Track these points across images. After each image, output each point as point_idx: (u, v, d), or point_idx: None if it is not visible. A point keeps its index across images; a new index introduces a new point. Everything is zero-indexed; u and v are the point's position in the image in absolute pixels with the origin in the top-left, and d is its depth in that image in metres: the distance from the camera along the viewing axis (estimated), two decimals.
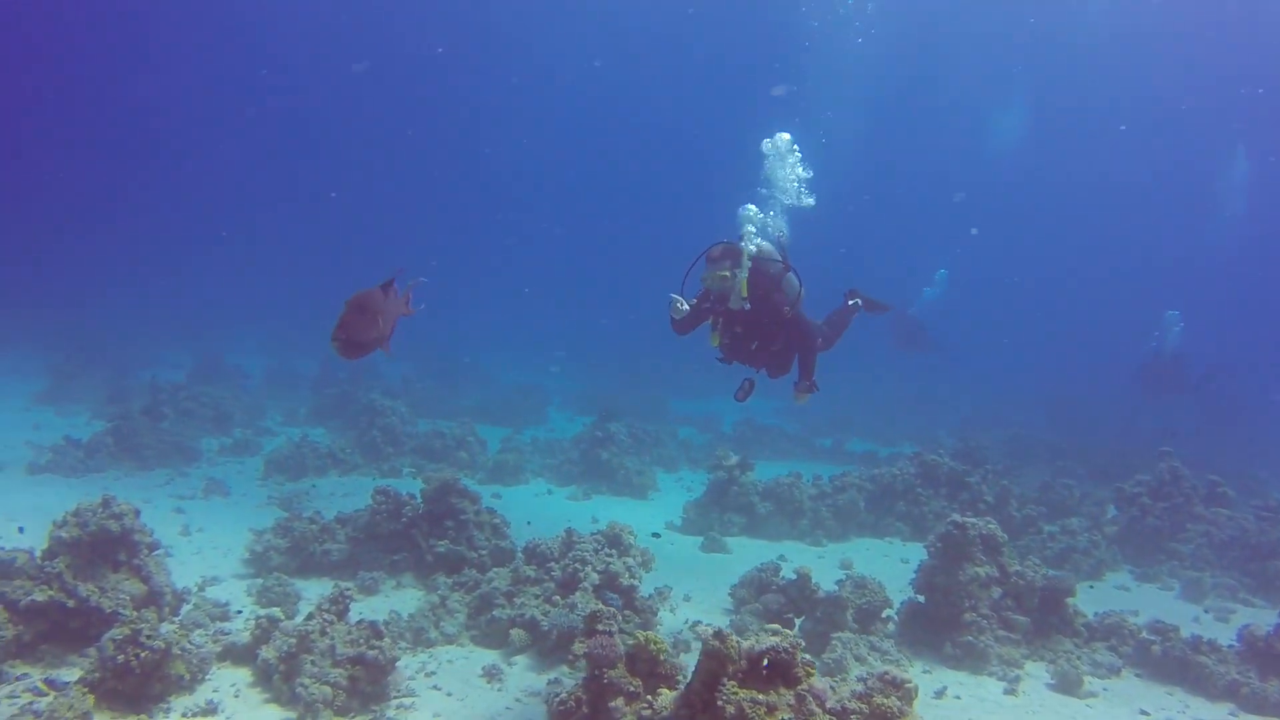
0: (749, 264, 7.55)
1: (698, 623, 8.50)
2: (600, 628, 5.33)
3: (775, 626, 5.16)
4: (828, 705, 4.82)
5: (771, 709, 4.67)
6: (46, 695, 6.22)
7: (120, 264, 40.54)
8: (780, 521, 12.51)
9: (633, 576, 8.13)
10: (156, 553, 7.57)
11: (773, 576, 9.24)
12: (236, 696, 6.44)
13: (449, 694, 6.79)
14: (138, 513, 7.39)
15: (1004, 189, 56.67)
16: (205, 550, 9.79)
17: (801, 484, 12.88)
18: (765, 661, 4.92)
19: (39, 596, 6.68)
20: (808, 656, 4.93)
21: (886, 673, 5.18)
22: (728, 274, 7.50)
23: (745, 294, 7.54)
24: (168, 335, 27.92)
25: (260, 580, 8.72)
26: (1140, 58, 42.20)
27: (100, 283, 35.43)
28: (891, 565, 11.50)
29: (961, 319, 38.21)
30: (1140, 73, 43.57)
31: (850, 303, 9.26)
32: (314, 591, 8.74)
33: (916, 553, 12.33)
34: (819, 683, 4.87)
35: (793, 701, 4.75)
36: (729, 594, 9.48)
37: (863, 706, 4.87)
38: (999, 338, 44.94)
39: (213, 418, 16.36)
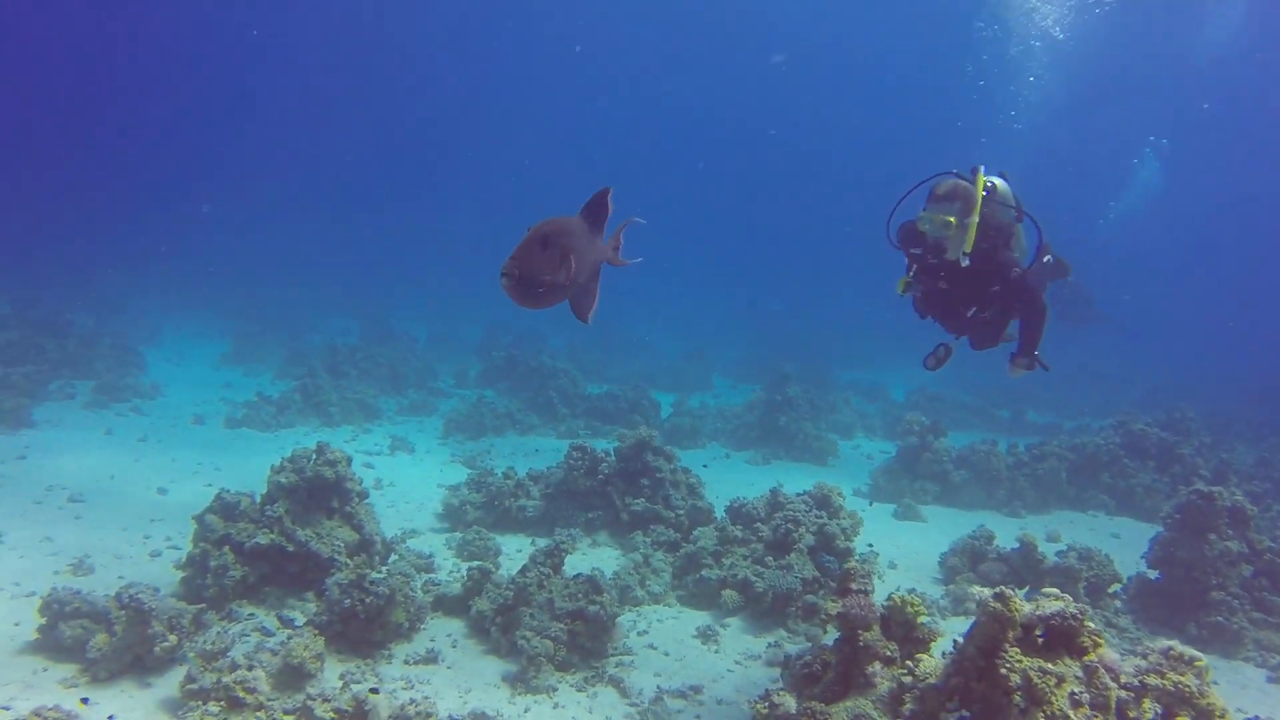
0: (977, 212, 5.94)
1: (911, 590, 8.00)
2: (855, 586, 4.93)
3: (1054, 591, 4.67)
4: (1121, 681, 4.33)
5: (1060, 681, 4.20)
6: (274, 634, 6.27)
7: (283, 234, 42.08)
8: (976, 490, 11.84)
9: (848, 539, 7.72)
10: (366, 501, 7.56)
11: (986, 545, 8.69)
12: (454, 647, 6.34)
13: (666, 654, 6.53)
14: (350, 460, 7.39)
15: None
16: (398, 504, 9.84)
17: (998, 452, 12.14)
18: (1039, 629, 4.45)
19: (262, 539, 6.74)
20: (1095, 625, 4.43)
21: (1171, 648, 4.62)
22: (953, 220, 5.85)
23: (969, 249, 5.89)
24: (333, 301, 28.79)
25: (459, 534, 8.68)
26: None
27: (269, 252, 36.96)
28: (1101, 539, 10.68)
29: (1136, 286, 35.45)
30: None
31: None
32: (511, 546, 8.66)
33: (1126, 527, 11.56)
34: (1109, 654, 4.37)
35: (1081, 674, 4.27)
36: (938, 562, 8.97)
37: (1163, 684, 4.36)
38: (1194, 309, 41.05)
39: (388, 378, 16.67)
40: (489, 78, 59.29)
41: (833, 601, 4.97)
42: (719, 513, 8.87)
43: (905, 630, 4.96)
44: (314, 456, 7.24)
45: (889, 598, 5.03)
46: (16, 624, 6.04)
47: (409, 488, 10.49)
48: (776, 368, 17.11)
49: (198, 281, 27.48)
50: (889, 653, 4.86)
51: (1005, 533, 9.37)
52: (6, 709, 4.96)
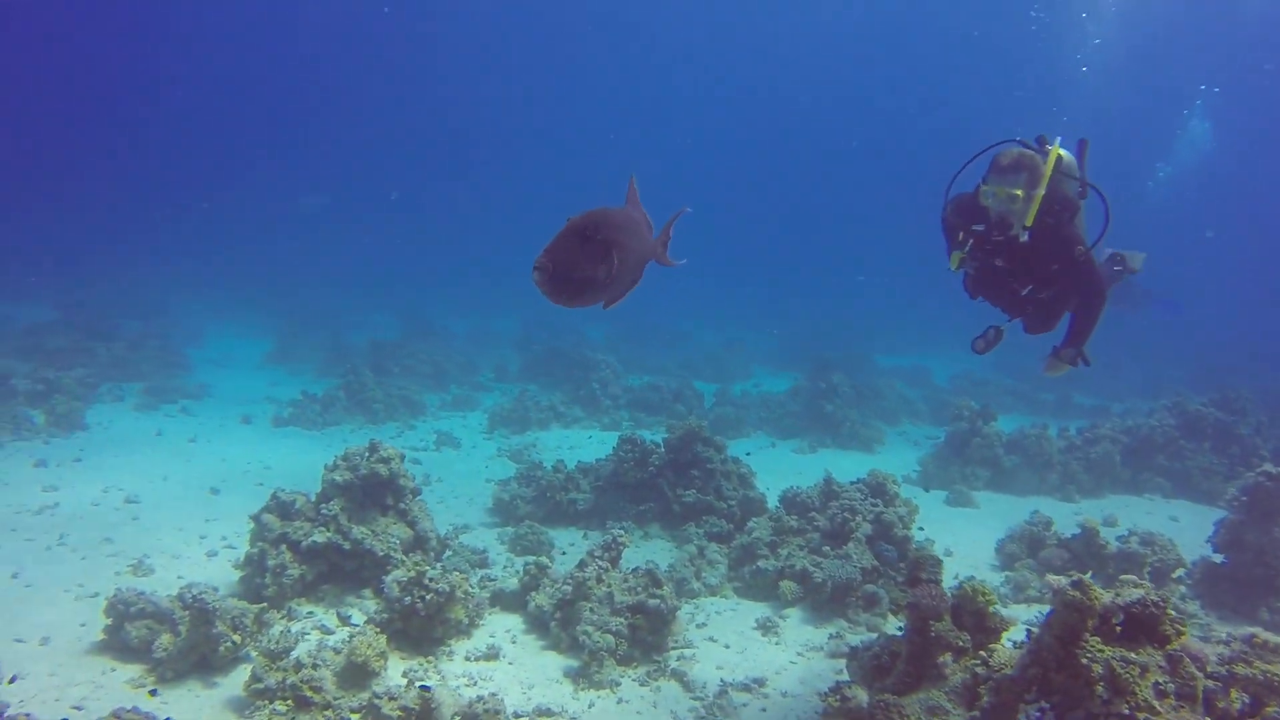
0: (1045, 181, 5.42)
1: (970, 578, 7.88)
2: (925, 575, 4.84)
3: (1132, 578, 4.56)
4: (1208, 670, 4.21)
5: (1144, 670, 4.09)
6: (335, 632, 6.28)
7: (318, 233, 42.39)
8: (1028, 475, 11.67)
9: (905, 527, 7.60)
10: (419, 498, 7.55)
11: (1044, 531, 8.55)
12: (514, 642, 6.31)
13: (726, 646, 6.47)
14: (403, 457, 7.39)
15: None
16: (448, 499, 9.84)
17: (1049, 436, 11.95)
18: (1117, 618, 4.34)
19: (318, 538, 6.75)
20: (1177, 613, 4.31)
21: (1254, 635, 4.50)
22: (1020, 194, 5.37)
23: (1029, 223, 5.46)
24: (371, 299, 28.93)
25: (511, 528, 8.67)
26: None
27: (305, 252, 37.25)
28: (1159, 523, 10.48)
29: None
30: None
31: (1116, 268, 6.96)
32: (564, 540, 8.63)
33: (1184, 510, 11.34)
34: (1193, 643, 4.25)
35: (1164, 663, 4.16)
36: (995, 549, 8.84)
37: (1251, 672, 4.23)
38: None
39: (431, 374, 16.73)
40: (523, 71, 59.20)
41: (901, 591, 4.89)
42: (771, 503, 8.81)
43: (977, 620, 4.86)
44: (367, 454, 7.24)
45: (959, 586, 4.94)
46: (83, 625, 6.10)
47: (457, 483, 10.49)
48: (817, 355, 17.01)
49: (238, 282, 27.78)
50: (961, 643, 4.76)
51: (1059, 518, 9.22)
52: (79, 709, 5.00)
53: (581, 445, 12.66)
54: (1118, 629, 4.32)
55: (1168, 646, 4.21)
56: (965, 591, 4.86)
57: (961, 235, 5.78)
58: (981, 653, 4.71)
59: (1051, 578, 4.40)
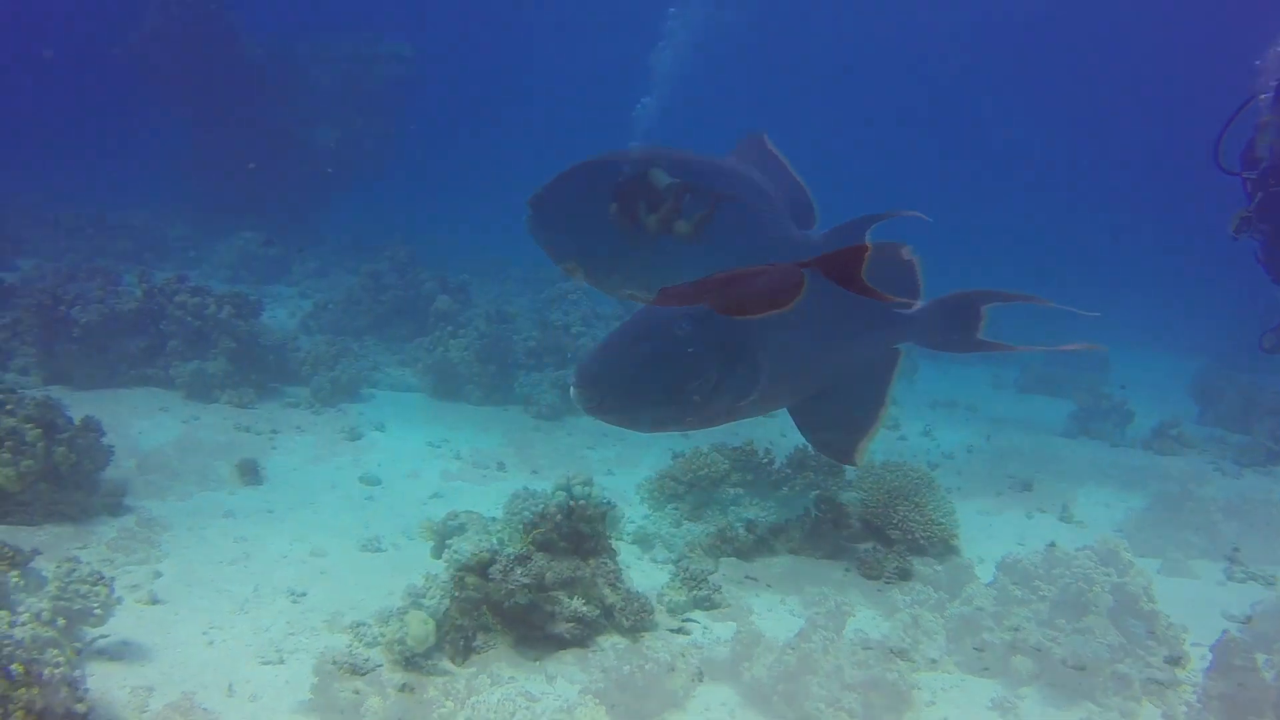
0: None
1: None
2: (1239, 662, 4.23)
3: None
4: None
5: None
6: (539, 699, 5.98)
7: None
8: (1252, 542, 10.63)
9: (1151, 600, 6.89)
10: (618, 556, 7.25)
11: None
12: (732, 716, 5.89)
13: None
14: (604, 516, 7.10)
15: None
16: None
17: (1275, 500, 10.92)
18: None
19: (520, 599, 6.49)
20: None
21: None
22: None
23: None
24: None
25: (703, 591, 8.26)
26: None
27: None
28: None
29: None
30: None
31: None
32: (761, 605, 8.18)
33: None
34: None
35: None
36: (1239, 629, 7.98)
37: None
38: None
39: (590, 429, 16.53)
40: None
41: (1212, 679, 4.29)
42: (975, 569, 8.22)
43: None
44: (568, 510, 6.99)
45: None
46: (286, 682, 5.97)
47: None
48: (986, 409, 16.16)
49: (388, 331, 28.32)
50: None
51: None
52: None
53: (775, 502, 12.16)
54: None
55: None
56: None
57: (1251, 187, 4.44)
58: None
59: None
